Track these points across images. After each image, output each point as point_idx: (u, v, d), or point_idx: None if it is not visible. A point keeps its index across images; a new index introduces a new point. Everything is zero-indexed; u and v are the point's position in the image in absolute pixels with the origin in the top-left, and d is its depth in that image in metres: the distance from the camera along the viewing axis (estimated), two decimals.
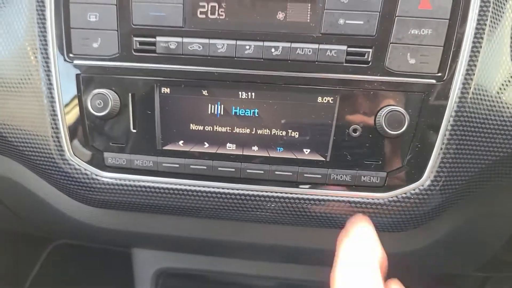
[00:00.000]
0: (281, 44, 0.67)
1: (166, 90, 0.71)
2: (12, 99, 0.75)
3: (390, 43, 0.66)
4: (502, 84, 0.68)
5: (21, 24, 0.73)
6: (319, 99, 0.69)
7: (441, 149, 0.68)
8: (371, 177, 0.71)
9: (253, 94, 0.70)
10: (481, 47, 0.66)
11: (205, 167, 0.73)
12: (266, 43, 0.67)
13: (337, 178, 0.72)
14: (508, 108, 0.68)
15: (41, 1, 0.71)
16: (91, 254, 1.70)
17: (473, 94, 0.66)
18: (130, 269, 1.27)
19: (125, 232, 0.96)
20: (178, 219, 0.90)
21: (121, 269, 1.39)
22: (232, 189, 0.74)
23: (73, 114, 0.73)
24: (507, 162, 0.71)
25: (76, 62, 0.71)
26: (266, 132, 0.72)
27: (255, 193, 0.74)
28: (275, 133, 0.72)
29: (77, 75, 0.72)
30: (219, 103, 0.71)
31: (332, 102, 0.69)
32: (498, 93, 0.67)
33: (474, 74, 0.66)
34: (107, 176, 0.76)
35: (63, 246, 1.66)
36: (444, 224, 0.86)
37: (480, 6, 0.65)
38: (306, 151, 0.72)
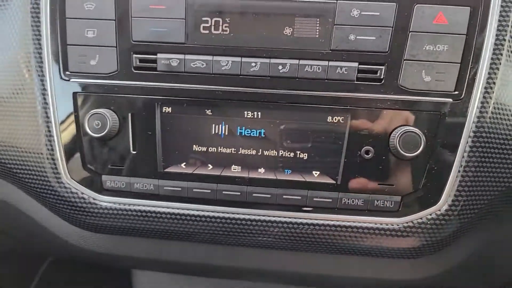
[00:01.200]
0: (288, 61, 0.65)
1: (167, 109, 0.69)
2: (4, 118, 0.72)
3: (404, 59, 0.63)
4: None
5: (15, 40, 0.71)
6: (329, 119, 0.67)
7: (459, 171, 0.65)
8: (385, 201, 0.68)
9: (259, 113, 0.68)
10: (500, 63, 0.63)
11: (209, 191, 0.70)
12: (273, 60, 0.65)
13: (348, 202, 0.69)
14: None
15: (36, 17, 0.68)
16: (89, 271, 1.67)
17: (492, 113, 0.63)
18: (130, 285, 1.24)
19: (123, 257, 0.93)
20: (179, 243, 0.87)
21: (120, 285, 1.35)
22: (238, 213, 0.71)
23: (70, 135, 0.70)
24: None
25: (73, 80, 0.69)
26: (273, 153, 0.69)
27: (262, 217, 0.71)
28: (282, 154, 0.69)
29: (74, 94, 0.69)
30: (223, 123, 0.69)
31: (342, 122, 0.66)
32: None
33: (493, 92, 0.63)
34: (105, 200, 0.73)
35: (60, 263, 1.63)
36: (461, 249, 0.82)
37: (499, 21, 0.62)
38: (316, 173, 0.69)
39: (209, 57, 0.65)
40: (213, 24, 0.65)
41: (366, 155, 0.66)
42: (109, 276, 1.62)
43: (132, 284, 1.22)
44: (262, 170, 0.69)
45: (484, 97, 0.63)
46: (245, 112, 0.68)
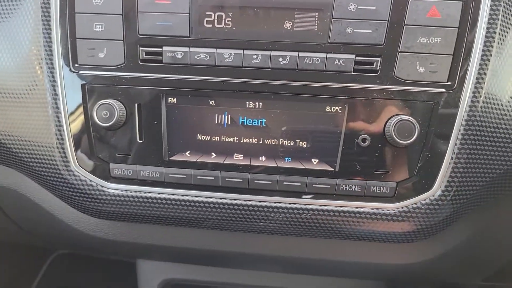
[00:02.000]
0: (288, 54, 0.67)
1: (172, 100, 0.71)
2: (17, 109, 0.74)
3: (399, 51, 0.65)
4: None
5: (26, 35, 0.73)
6: (328, 109, 0.69)
7: (452, 158, 0.67)
8: (381, 188, 0.70)
9: (260, 103, 0.70)
10: (491, 55, 0.65)
11: (212, 178, 0.73)
12: (274, 53, 0.67)
13: (346, 188, 0.71)
14: None
15: (47, 12, 0.70)
16: (94, 264, 1.69)
17: (484, 102, 0.66)
18: (134, 280, 1.26)
19: (130, 244, 0.95)
20: (183, 230, 0.89)
21: (125, 280, 1.37)
22: (240, 199, 0.74)
23: (79, 124, 0.73)
24: None
25: (81, 72, 0.71)
26: (273, 142, 0.71)
27: (263, 203, 0.73)
28: (283, 143, 0.71)
29: (83, 85, 0.71)
30: (226, 113, 0.71)
31: (340, 111, 0.69)
32: (509, 101, 0.67)
33: (484, 83, 0.65)
34: (112, 187, 0.75)
35: (66, 256, 1.65)
36: (455, 235, 0.85)
37: (490, 14, 0.64)
38: (315, 161, 0.71)
39: (213, 50, 0.68)
40: (216, 18, 0.67)
41: (363, 143, 0.69)
42: (114, 269, 1.64)
43: (137, 277, 1.24)
44: (263, 158, 0.72)
45: (475, 87, 0.65)
46: (247, 103, 0.70)
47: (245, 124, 0.71)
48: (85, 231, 0.92)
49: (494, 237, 0.90)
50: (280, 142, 0.71)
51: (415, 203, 0.70)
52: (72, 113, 0.72)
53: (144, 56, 0.69)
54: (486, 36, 0.65)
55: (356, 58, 0.66)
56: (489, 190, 0.72)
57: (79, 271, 1.72)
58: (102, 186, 0.75)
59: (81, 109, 0.72)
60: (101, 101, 0.70)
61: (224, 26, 0.67)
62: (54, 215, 0.89)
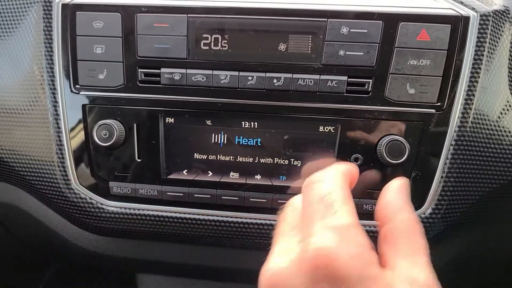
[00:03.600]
0: (283, 75, 0.69)
1: (170, 120, 0.73)
2: (19, 127, 0.76)
3: (390, 73, 0.67)
4: (501, 112, 0.69)
5: (28, 55, 0.75)
6: (321, 129, 0.71)
7: (442, 177, 0.69)
8: (373, 206, 0.71)
9: (255, 123, 0.72)
10: (479, 77, 0.67)
11: (209, 196, 0.74)
12: (268, 74, 0.69)
13: None
14: (507, 135, 0.69)
15: (49, 34, 0.72)
16: (94, 276, 1.69)
17: (472, 122, 0.67)
18: None
19: (129, 259, 0.97)
20: (181, 246, 0.90)
21: None
22: (236, 217, 0.75)
23: (79, 143, 0.74)
24: (508, 188, 0.71)
25: (82, 93, 0.73)
26: (269, 161, 0.73)
27: (258, 221, 0.75)
28: (277, 162, 0.73)
29: (83, 106, 0.73)
30: (222, 132, 0.72)
31: (333, 131, 0.70)
32: (497, 121, 0.68)
33: (473, 103, 0.67)
34: (112, 205, 0.77)
35: (66, 269, 1.66)
36: (449, 250, 0.86)
37: (478, 37, 0.66)
38: None
39: (209, 71, 0.69)
40: (212, 40, 0.69)
41: (355, 162, 0.70)
42: (113, 282, 1.64)
43: None
44: (258, 176, 0.73)
45: (464, 108, 0.67)
46: (243, 123, 0.72)
47: (241, 143, 0.73)
48: (86, 247, 0.93)
49: (489, 251, 0.91)
50: (275, 161, 0.73)
51: None
52: (72, 132, 0.74)
53: (143, 77, 0.71)
54: (474, 59, 0.66)
55: (348, 79, 0.68)
56: (480, 206, 0.73)
57: (79, 284, 1.73)
58: (101, 204, 0.77)
59: (81, 129, 0.74)
60: (101, 121, 0.71)
61: (221, 48, 0.69)
62: (54, 231, 0.91)
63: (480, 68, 0.67)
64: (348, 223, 0.48)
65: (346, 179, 0.55)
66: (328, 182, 0.53)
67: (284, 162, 0.72)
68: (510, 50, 0.69)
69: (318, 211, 0.49)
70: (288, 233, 0.53)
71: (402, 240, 0.50)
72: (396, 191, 0.57)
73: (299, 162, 0.72)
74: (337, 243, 0.46)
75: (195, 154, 0.74)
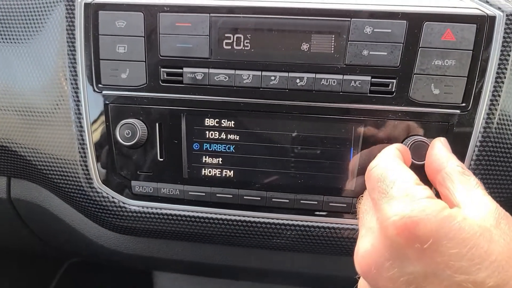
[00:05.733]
0: (305, 75, 0.68)
1: (192, 119, 0.73)
2: (42, 127, 0.77)
3: (414, 74, 0.67)
4: None
5: (51, 55, 0.75)
6: (344, 129, 0.70)
7: None
8: None
9: (277, 123, 0.71)
10: (505, 77, 0.66)
11: (231, 196, 0.74)
12: (291, 74, 0.68)
13: None
14: None
15: (72, 34, 0.73)
16: (108, 272, 1.70)
17: (498, 123, 0.67)
18: None
19: (148, 257, 0.97)
20: (198, 244, 0.91)
21: None
22: (257, 217, 0.75)
23: (102, 143, 0.75)
24: None
25: (104, 92, 0.73)
26: (290, 160, 0.72)
27: (280, 221, 0.75)
28: (299, 161, 0.72)
29: (106, 105, 0.73)
30: (244, 132, 0.72)
31: (356, 132, 0.70)
32: None
33: (498, 104, 0.66)
34: (134, 204, 0.77)
35: (79, 264, 1.67)
36: None
37: (504, 37, 0.65)
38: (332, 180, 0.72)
39: (232, 71, 0.69)
40: (235, 40, 0.69)
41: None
42: (128, 278, 1.65)
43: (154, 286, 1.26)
44: (280, 176, 0.73)
45: (490, 108, 0.66)
46: (265, 122, 0.72)
47: (262, 143, 0.72)
48: (106, 245, 0.94)
49: None
50: (297, 161, 0.72)
51: None
52: (95, 132, 0.75)
53: (165, 77, 0.71)
54: (500, 58, 0.65)
55: (372, 79, 0.67)
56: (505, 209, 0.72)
57: (93, 280, 1.74)
58: (123, 203, 0.77)
59: (104, 128, 0.74)
60: (124, 120, 0.72)
61: (243, 48, 0.69)
62: (75, 229, 0.92)
63: (506, 68, 0.66)
64: (406, 188, 0.53)
65: (395, 155, 0.60)
66: (381, 163, 0.58)
67: (305, 162, 0.72)
68: None
69: (380, 191, 0.55)
70: (366, 217, 0.59)
71: (458, 180, 0.56)
72: (441, 146, 0.63)
73: (320, 162, 0.72)
74: (404, 207, 0.50)
75: (217, 153, 0.74)
